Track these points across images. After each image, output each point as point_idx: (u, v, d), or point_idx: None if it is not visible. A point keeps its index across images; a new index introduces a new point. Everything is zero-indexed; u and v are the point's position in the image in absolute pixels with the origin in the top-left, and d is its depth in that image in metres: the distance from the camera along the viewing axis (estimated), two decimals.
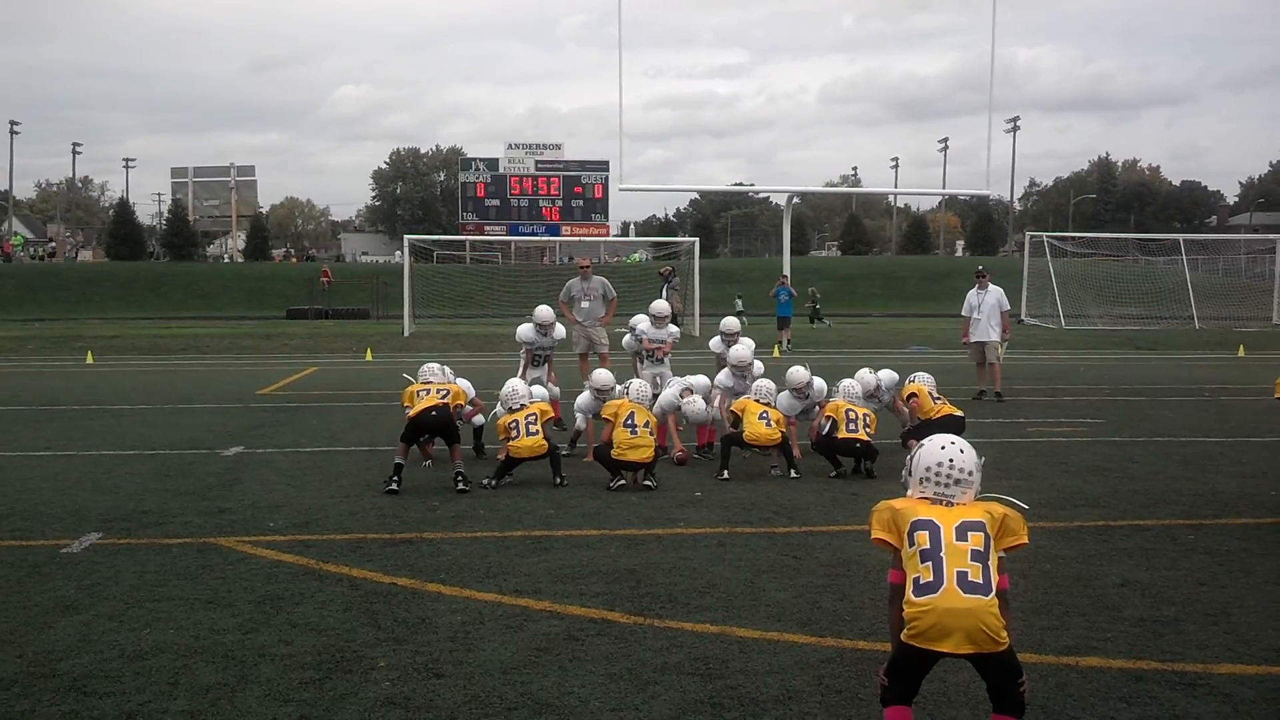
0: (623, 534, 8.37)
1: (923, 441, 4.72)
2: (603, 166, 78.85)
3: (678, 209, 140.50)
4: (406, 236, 44.11)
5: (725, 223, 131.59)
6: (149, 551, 7.81)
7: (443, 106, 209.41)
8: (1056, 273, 42.70)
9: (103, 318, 49.97)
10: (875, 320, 45.80)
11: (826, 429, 11.21)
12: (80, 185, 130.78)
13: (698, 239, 41.63)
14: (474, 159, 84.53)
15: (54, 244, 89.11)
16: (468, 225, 79.42)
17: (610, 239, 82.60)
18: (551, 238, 77.84)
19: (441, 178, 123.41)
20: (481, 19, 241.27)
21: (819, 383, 11.94)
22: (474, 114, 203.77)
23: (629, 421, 10.33)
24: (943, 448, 4.57)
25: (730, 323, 13.60)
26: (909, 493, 4.65)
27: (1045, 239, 45.40)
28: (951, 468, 4.51)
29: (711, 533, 8.42)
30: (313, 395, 18.41)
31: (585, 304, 17.62)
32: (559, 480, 10.26)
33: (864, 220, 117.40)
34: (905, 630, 4.37)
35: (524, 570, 7.32)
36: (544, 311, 13.61)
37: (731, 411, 11.28)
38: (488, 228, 78.30)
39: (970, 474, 4.56)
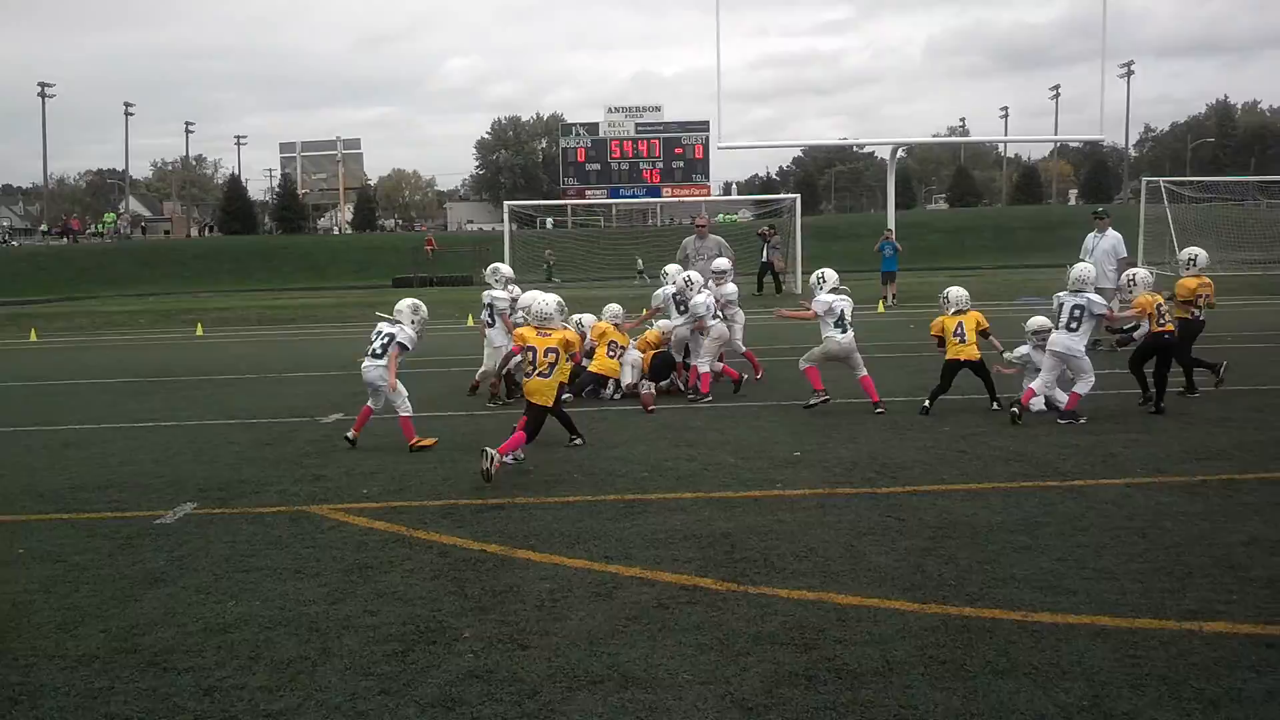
0: (718, 497, 8.11)
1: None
2: (703, 127, 77.97)
3: (780, 167, 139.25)
4: (506, 203, 44.19)
5: (829, 180, 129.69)
6: (242, 521, 7.79)
7: (548, 75, 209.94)
8: (1174, 219, 40.94)
9: (215, 291, 51.18)
10: (985, 273, 44.55)
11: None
12: (195, 163, 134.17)
13: (799, 195, 40.84)
14: (574, 124, 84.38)
15: (117, 221, 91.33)
16: (569, 190, 79.43)
17: (711, 199, 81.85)
18: (652, 199, 77.46)
19: (543, 144, 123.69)
20: None
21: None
22: (579, 81, 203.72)
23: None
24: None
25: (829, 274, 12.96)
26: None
27: (1162, 184, 43.52)
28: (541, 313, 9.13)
29: (810, 494, 8.11)
30: (414, 361, 18.28)
31: (699, 263, 17.31)
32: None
33: (973, 172, 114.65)
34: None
35: (615, 535, 7.11)
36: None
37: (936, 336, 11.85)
38: (589, 192, 78.22)
39: (550, 315, 9.32)
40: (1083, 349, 10.92)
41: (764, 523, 7.31)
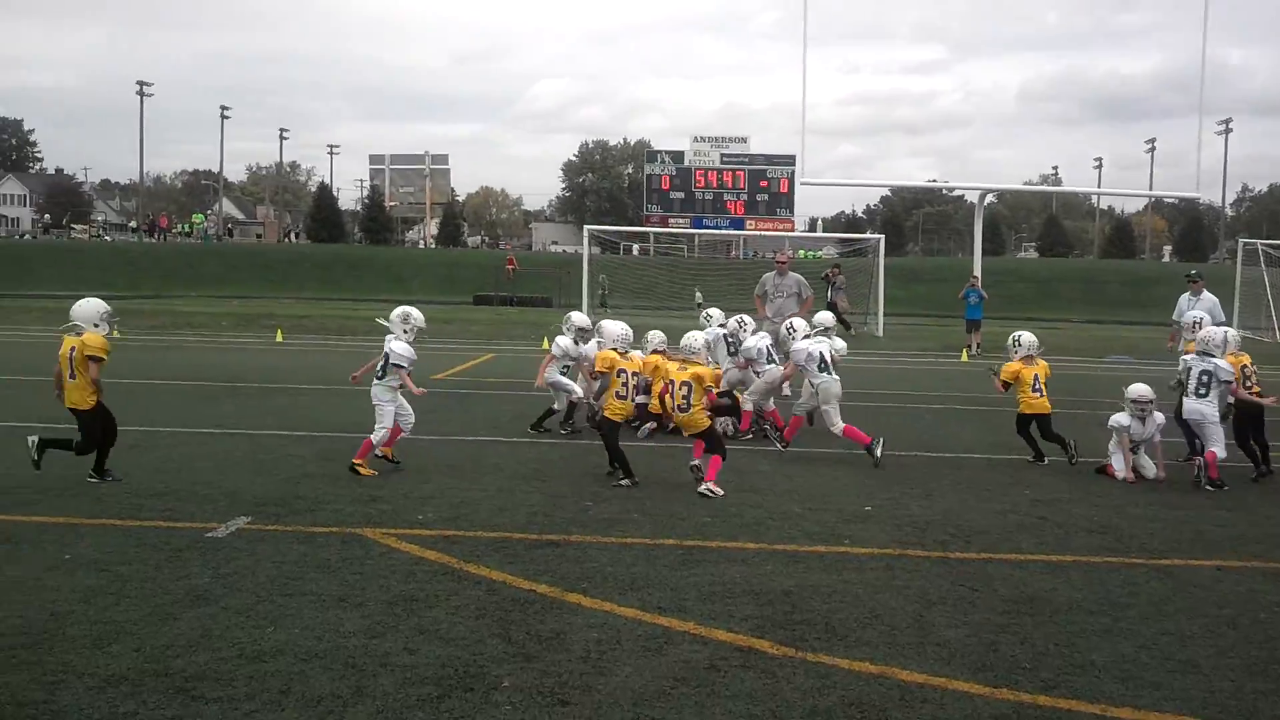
0: (781, 549, 7.78)
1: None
2: (789, 161, 77.68)
3: (867, 205, 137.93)
4: (586, 227, 44.22)
5: (916, 220, 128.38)
6: (293, 540, 7.63)
7: (636, 101, 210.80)
8: (1272, 283, 39.68)
9: (299, 297, 51.81)
10: (1074, 327, 43.55)
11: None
12: (289, 170, 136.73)
13: (882, 236, 40.33)
14: (660, 151, 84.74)
15: (205, 221, 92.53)
16: (652, 217, 79.57)
17: (795, 234, 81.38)
18: (735, 231, 77.23)
19: (629, 170, 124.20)
20: (676, 14, 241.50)
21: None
22: (666, 108, 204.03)
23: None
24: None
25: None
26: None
27: (1260, 246, 42.21)
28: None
29: (879, 554, 7.75)
30: (486, 382, 18.34)
31: (778, 300, 17.03)
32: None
33: (1064, 222, 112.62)
34: None
35: (671, 584, 6.82)
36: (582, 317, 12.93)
37: (1004, 382, 11.61)
38: (672, 220, 78.28)
39: (697, 350, 9.90)
40: (1217, 415, 10.74)
41: (828, 582, 6.98)
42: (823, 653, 5.67)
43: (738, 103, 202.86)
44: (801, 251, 75.86)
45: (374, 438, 10.19)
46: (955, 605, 6.58)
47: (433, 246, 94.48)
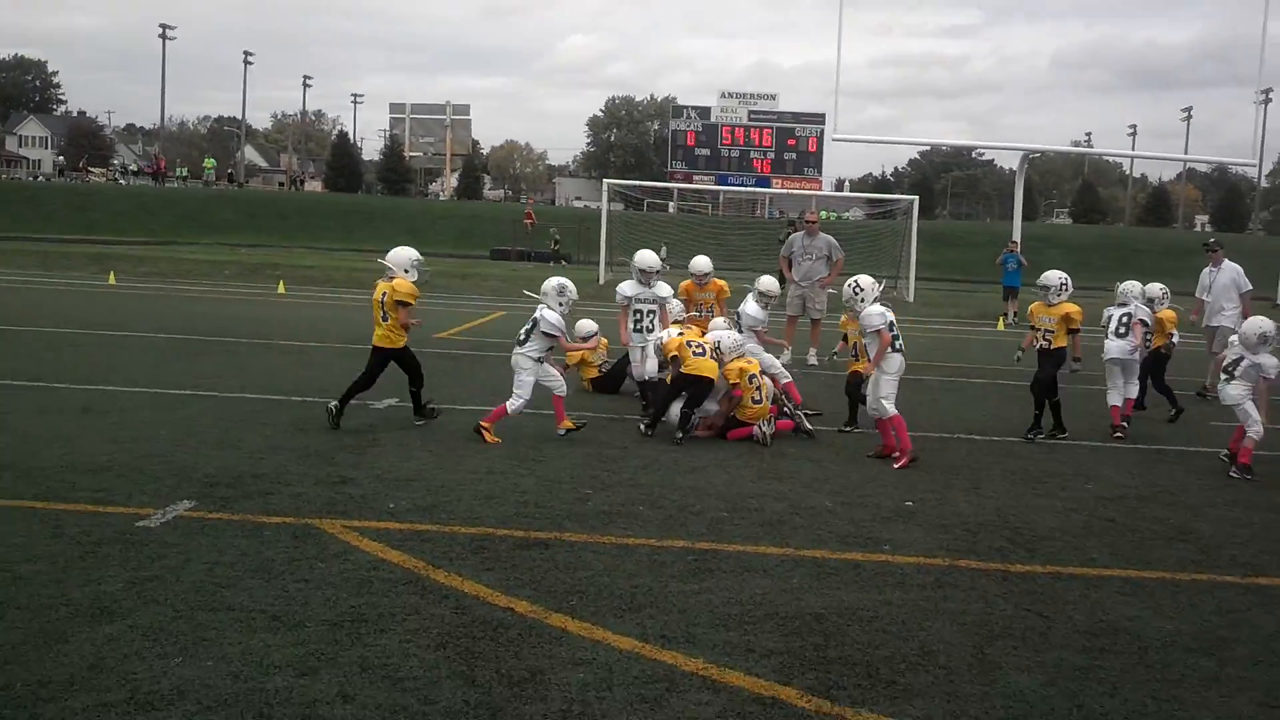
0: (809, 556, 6.59)
1: None
2: (818, 119, 76.12)
3: (896, 168, 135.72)
4: (605, 181, 42.79)
5: (945, 184, 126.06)
6: (237, 532, 6.48)
7: (665, 58, 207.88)
8: None
9: (312, 247, 50.69)
10: (1109, 295, 42.01)
11: None
12: (314, 119, 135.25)
13: (916, 198, 38.65)
14: (686, 107, 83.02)
15: (215, 168, 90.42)
16: (676, 174, 78.07)
17: (823, 193, 79.65)
18: (761, 189, 75.65)
19: (655, 126, 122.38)
20: None
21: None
22: (696, 67, 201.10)
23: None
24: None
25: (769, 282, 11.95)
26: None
27: None
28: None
29: (927, 564, 6.56)
30: (491, 344, 17.11)
31: (806, 262, 15.89)
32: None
33: (1098, 189, 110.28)
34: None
35: (678, 604, 5.63)
36: (648, 257, 11.34)
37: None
38: (696, 177, 76.75)
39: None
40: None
41: (867, 603, 5.79)
42: (864, 707, 4.50)
43: (769, 62, 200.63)
44: (824, 212, 74.11)
45: (510, 406, 9.65)
46: (1024, 638, 5.39)
47: (452, 199, 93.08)
